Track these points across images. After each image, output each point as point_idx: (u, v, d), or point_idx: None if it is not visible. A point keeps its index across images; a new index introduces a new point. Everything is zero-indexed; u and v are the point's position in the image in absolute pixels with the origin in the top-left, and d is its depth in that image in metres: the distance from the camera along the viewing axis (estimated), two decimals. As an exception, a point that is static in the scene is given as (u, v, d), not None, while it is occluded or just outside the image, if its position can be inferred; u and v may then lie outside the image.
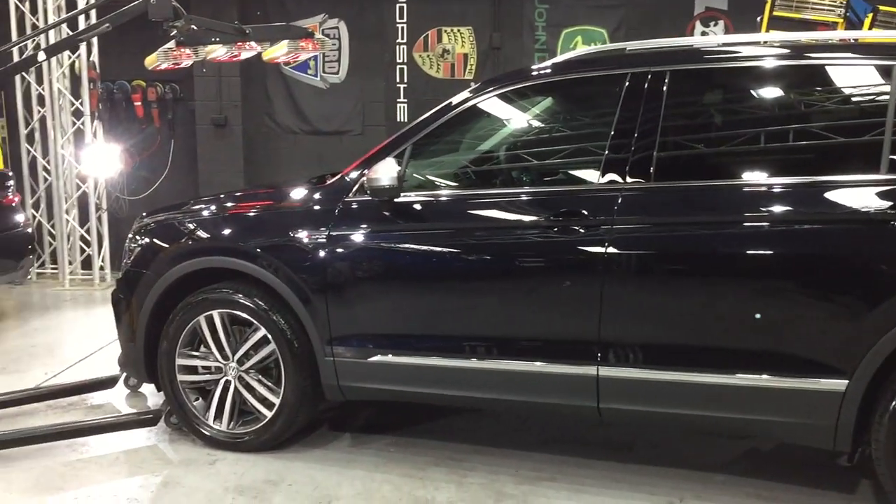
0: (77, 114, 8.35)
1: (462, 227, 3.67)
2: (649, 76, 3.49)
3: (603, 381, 3.42)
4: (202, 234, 4.13)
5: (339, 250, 3.78)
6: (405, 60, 9.06)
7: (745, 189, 3.35)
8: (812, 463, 3.75)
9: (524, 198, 3.69)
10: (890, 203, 3.05)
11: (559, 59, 3.89)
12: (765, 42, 3.65)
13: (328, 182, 4.01)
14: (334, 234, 3.80)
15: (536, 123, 4.08)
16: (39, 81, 8.30)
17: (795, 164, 3.39)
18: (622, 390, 3.43)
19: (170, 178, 9.17)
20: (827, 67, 3.40)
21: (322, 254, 3.79)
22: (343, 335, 3.82)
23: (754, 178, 3.42)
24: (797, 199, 3.22)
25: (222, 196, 4.48)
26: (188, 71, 9.07)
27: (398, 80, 9.09)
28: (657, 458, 3.93)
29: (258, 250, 3.91)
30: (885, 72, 3.22)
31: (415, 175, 3.88)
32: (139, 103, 9.01)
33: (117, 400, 4.84)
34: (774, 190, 3.27)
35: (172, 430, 4.25)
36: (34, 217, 8.56)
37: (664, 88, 3.45)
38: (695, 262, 3.34)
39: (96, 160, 8.19)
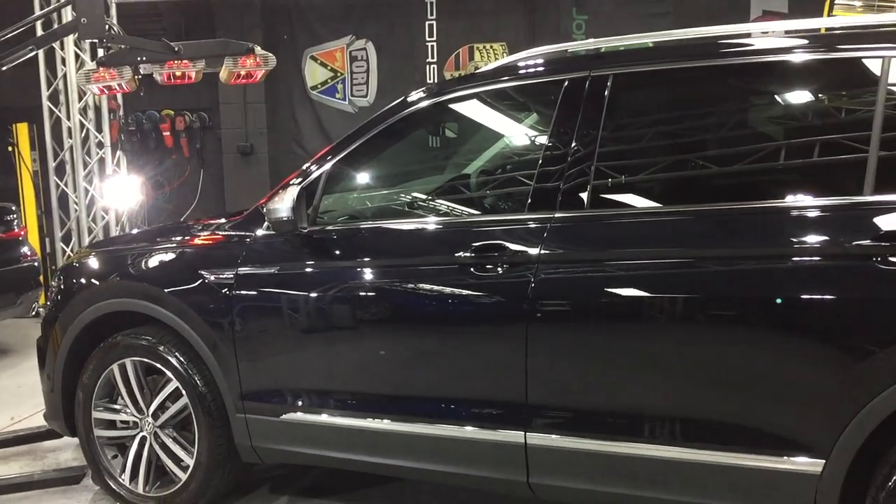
0: (101, 146, 8.25)
1: (371, 266, 3.14)
2: (587, 82, 2.89)
3: (533, 450, 2.82)
4: (107, 273, 3.73)
5: (246, 293, 3.30)
6: (436, 81, 8.58)
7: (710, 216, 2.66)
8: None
9: (437, 230, 3.13)
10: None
11: (492, 65, 3.32)
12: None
13: (243, 214, 3.55)
14: (242, 273, 3.33)
15: (468, 142, 3.54)
16: (69, 116, 8.23)
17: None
18: (555, 462, 2.82)
19: (198, 210, 8.93)
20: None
21: (229, 297, 3.32)
22: (254, 389, 3.33)
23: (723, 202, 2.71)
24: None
25: (143, 231, 4.11)
26: (216, 98, 8.92)
27: (429, 101, 8.58)
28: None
29: (162, 291, 3.47)
30: None
31: (334, 204, 3.39)
32: (168, 133, 8.83)
33: (68, 449, 4.50)
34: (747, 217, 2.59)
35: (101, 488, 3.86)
36: (64, 251, 8.47)
37: (605, 96, 2.86)
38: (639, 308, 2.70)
39: (117, 192, 8.03)
